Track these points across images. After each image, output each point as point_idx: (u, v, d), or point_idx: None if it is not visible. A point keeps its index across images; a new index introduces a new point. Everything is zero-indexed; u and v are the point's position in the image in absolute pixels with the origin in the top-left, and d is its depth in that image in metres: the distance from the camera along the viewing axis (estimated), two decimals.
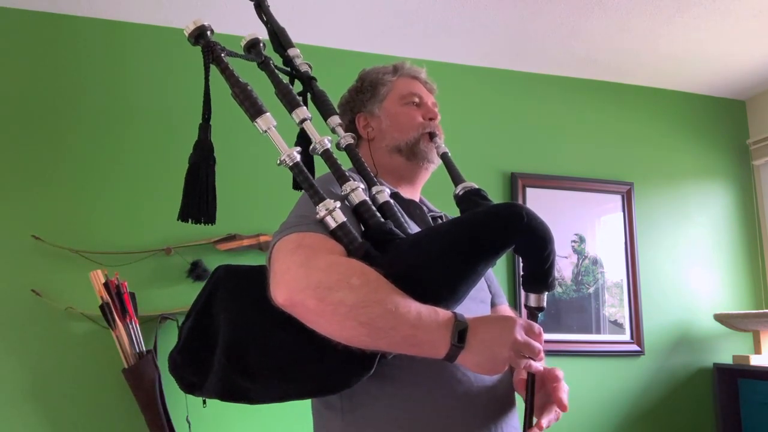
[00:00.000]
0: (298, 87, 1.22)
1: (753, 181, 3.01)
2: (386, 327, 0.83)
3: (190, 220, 1.01)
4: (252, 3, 1.25)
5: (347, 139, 1.15)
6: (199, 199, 1.00)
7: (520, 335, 0.88)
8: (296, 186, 1.18)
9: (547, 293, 0.97)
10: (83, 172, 2.23)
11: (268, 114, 0.98)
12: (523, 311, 1.00)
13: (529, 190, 2.69)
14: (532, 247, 0.92)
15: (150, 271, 2.20)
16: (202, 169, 1.01)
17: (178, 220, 1.01)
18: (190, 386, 0.97)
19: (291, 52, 1.22)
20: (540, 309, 0.98)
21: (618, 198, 2.81)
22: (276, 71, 1.11)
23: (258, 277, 0.95)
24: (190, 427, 2.08)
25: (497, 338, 0.87)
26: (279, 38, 1.23)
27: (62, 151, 2.23)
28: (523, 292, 1.00)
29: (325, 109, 1.19)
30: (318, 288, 0.84)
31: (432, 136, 1.21)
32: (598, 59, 2.71)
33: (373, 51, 2.60)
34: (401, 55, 2.59)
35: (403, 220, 1.04)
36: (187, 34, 1.01)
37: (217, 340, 0.94)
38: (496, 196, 2.63)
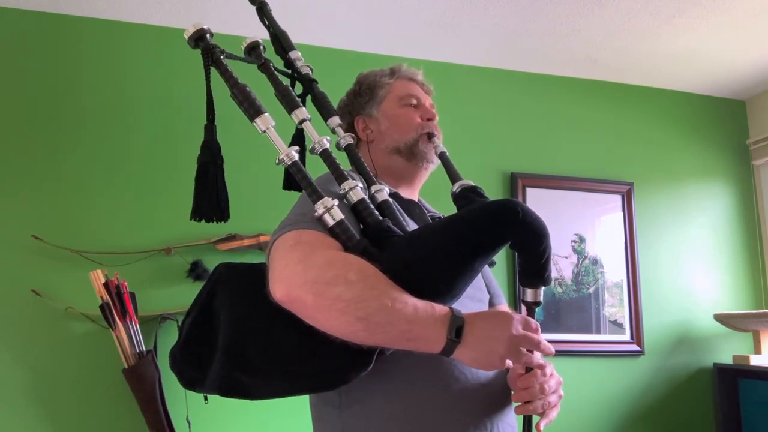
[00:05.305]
0: (299, 89, 1.23)
1: (753, 181, 3.01)
2: (383, 322, 0.84)
3: (203, 219, 1.04)
4: (254, 6, 1.25)
5: (347, 139, 1.16)
6: (210, 198, 1.03)
7: (517, 330, 0.88)
8: (287, 186, 1.21)
9: (543, 288, 0.98)
10: (83, 172, 2.24)
11: (266, 114, 0.99)
12: (522, 308, 1.01)
13: (529, 190, 2.69)
14: (528, 242, 0.93)
15: (150, 271, 2.20)
16: (210, 169, 1.04)
17: (191, 219, 1.04)
18: (190, 382, 0.98)
19: (292, 54, 1.24)
20: (537, 304, 0.99)
21: (618, 198, 2.81)
22: (276, 73, 1.12)
23: (258, 274, 0.96)
24: (190, 427, 2.09)
25: (494, 333, 0.87)
26: (280, 41, 1.24)
27: (62, 152, 2.23)
28: (521, 288, 1.01)
29: (325, 111, 1.20)
30: (315, 283, 0.84)
31: (430, 136, 1.23)
32: (598, 59, 2.71)
33: (374, 51, 2.60)
34: (401, 55, 2.59)
35: (401, 218, 1.05)
36: (186, 38, 1.02)
37: (218, 336, 0.95)
38: (495, 196, 2.60)
